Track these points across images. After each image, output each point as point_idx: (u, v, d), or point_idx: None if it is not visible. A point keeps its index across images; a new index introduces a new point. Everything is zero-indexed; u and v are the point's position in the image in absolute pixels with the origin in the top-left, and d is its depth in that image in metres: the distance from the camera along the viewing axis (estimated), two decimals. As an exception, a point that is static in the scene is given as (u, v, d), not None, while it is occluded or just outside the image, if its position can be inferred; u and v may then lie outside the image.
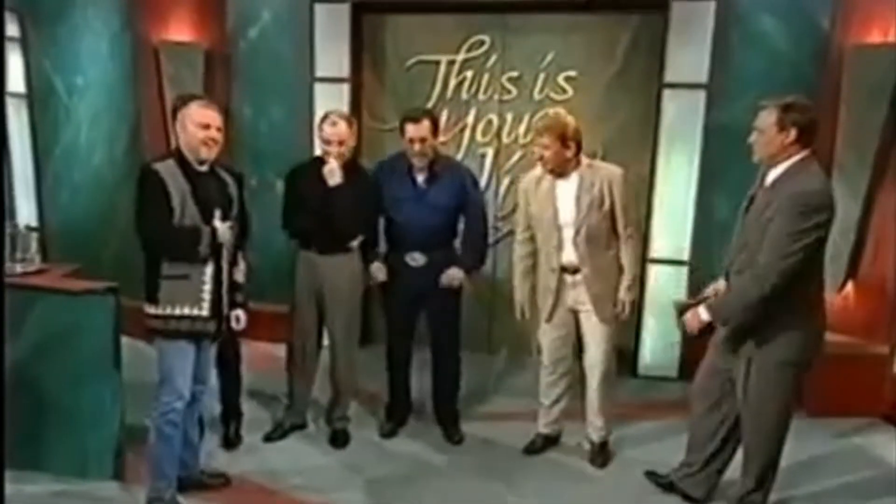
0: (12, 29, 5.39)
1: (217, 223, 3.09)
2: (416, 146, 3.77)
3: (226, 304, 3.25)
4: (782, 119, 2.92)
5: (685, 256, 4.99)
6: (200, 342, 3.22)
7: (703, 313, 3.10)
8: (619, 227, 3.66)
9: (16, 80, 5.48)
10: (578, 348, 3.89)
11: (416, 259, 3.89)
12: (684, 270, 5.01)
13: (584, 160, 3.66)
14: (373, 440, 4.11)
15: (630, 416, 4.44)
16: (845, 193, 4.35)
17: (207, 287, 3.12)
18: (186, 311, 3.09)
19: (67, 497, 3.38)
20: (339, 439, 4.04)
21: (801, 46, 4.72)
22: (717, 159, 4.83)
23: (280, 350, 4.20)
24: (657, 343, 5.16)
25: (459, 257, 3.97)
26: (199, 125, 3.07)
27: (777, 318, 2.96)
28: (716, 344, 3.28)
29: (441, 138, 4.60)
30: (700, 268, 4.91)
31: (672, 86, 4.86)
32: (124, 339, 3.57)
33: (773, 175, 2.98)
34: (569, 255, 3.67)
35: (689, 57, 4.78)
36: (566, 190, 3.64)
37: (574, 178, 3.62)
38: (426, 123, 3.77)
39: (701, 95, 4.82)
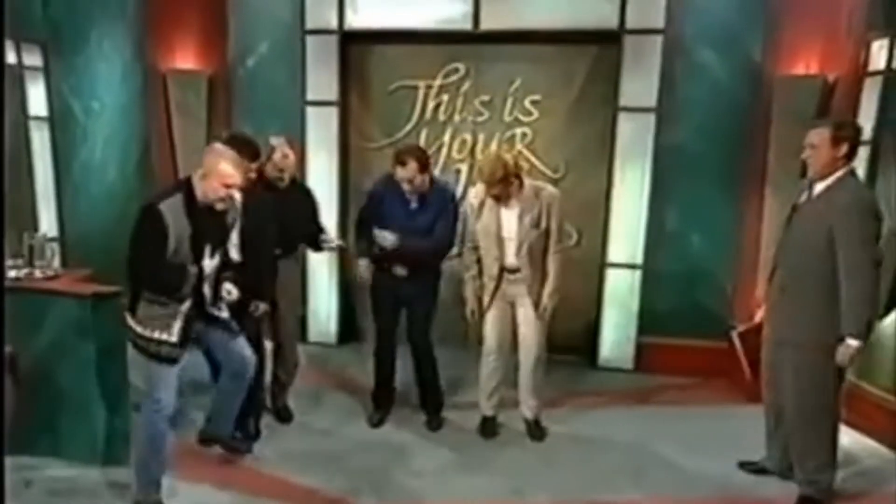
0: (36, 59, 5.38)
1: (206, 261, 3.02)
2: (406, 185, 3.79)
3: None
4: (836, 136, 3.00)
5: (638, 261, 5.05)
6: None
7: (852, 343, 3.01)
8: (551, 243, 3.78)
9: (38, 104, 5.47)
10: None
11: (400, 271, 3.94)
12: (637, 273, 5.07)
13: (528, 182, 3.76)
14: (356, 428, 4.13)
15: (591, 404, 4.51)
16: (775, 203, 4.46)
17: (181, 316, 3.03)
18: (157, 335, 2.99)
19: (82, 481, 3.38)
20: (286, 417, 4.14)
21: (736, 76, 4.78)
22: (666, 174, 4.91)
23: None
24: (614, 338, 5.20)
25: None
26: (222, 183, 2.94)
27: (815, 307, 3.09)
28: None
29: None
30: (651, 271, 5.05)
31: (626, 109, 4.92)
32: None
33: (820, 187, 3.08)
34: (510, 260, 3.80)
35: (641, 84, 4.84)
36: (510, 209, 3.75)
37: (516, 200, 3.73)
38: (412, 165, 3.74)
39: (651, 118, 4.88)
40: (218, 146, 3.09)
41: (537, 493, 3.47)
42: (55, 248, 4.90)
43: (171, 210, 2.89)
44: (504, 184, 3.63)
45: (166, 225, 2.85)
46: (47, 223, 5.47)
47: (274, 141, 3.88)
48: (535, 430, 4.04)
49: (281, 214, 3.78)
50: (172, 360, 3.04)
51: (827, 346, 3.10)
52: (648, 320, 5.11)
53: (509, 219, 3.75)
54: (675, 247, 5.04)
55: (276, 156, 3.83)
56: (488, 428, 4.08)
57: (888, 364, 4.09)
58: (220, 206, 3.00)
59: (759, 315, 3.47)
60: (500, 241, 3.78)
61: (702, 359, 4.78)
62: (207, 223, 3.00)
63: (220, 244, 3.13)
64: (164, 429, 3.10)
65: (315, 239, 4.06)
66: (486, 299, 3.93)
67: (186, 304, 3.03)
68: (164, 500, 3.16)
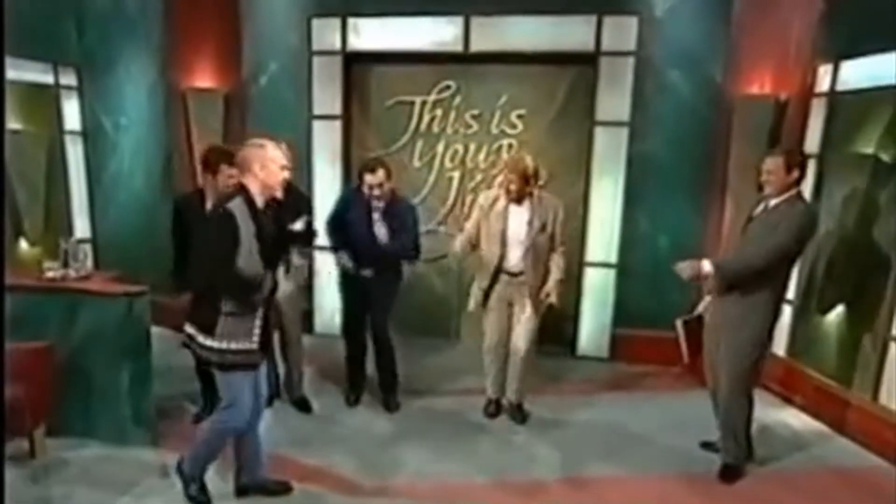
0: (71, 79, 5.52)
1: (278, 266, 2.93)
2: (376, 191, 3.88)
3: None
4: (789, 163, 3.21)
5: (613, 260, 5.15)
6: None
7: (706, 265, 3.28)
8: (556, 244, 3.89)
9: (73, 120, 5.61)
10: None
11: (366, 272, 4.04)
12: (612, 271, 5.18)
13: (535, 191, 3.84)
14: (357, 413, 4.21)
15: (570, 390, 4.61)
16: (734, 208, 4.57)
17: (258, 323, 2.86)
18: (241, 345, 2.82)
19: (112, 460, 3.48)
20: (305, 407, 4.20)
21: (700, 95, 4.85)
22: (638, 182, 5.00)
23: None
24: (591, 330, 5.31)
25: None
26: (280, 166, 2.82)
27: (755, 301, 3.28)
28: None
29: (416, 164, 4.72)
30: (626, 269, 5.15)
31: (601, 123, 5.00)
32: (155, 329, 3.65)
33: (774, 202, 3.27)
34: (512, 262, 3.87)
35: (615, 101, 4.93)
36: (519, 213, 3.83)
37: (526, 206, 3.81)
38: (381, 173, 3.85)
39: (624, 131, 4.97)
40: (254, 141, 2.86)
41: (519, 472, 3.55)
42: (87, 251, 5.02)
43: (239, 210, 2.72)
44: (524, 182, 3.73)
45: (238, 226, 2.69)
46: (81, 228, 5.61)
47: None
48: (517, 413, 4.14)
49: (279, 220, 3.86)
50: (253, 366, 2.93)
51: (756, 334, 3.31)
52: (622, 314, 5.22)
53: (518, 222, 3.83)
54: (646, 247, 5.12)
55: None
56: (495, 408, 4.21)
57: (832, 354, 4.22)
58: (280, 193, 2.90)
59: (700, 307, 3.60)
60: (503, 243, 3.85)
61: (670, 349, 4.80)
62: (267, 223, 2.84)
63: (280, 249, 3.01)
64: (227, 438, 3.03)
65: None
66: (475, 296, 4.02)
67: (261, 311, 2.88)
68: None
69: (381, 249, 3.97)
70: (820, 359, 4.30)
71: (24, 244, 5.26)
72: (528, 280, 3.88)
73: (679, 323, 3.71)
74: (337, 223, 4.10)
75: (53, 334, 3.51)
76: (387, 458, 3.67)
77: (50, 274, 3.80)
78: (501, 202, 3.86)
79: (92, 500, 3.15)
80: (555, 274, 3.91)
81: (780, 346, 4.51)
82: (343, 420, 4.12)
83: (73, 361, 3.56)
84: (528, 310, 3.94)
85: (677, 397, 4.57)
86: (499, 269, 3.91)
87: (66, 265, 3.91)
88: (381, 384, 4.34)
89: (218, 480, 3.25)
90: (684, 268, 3.35)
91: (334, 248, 4.14)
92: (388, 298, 4.17)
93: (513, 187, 3.76)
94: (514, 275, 3.90)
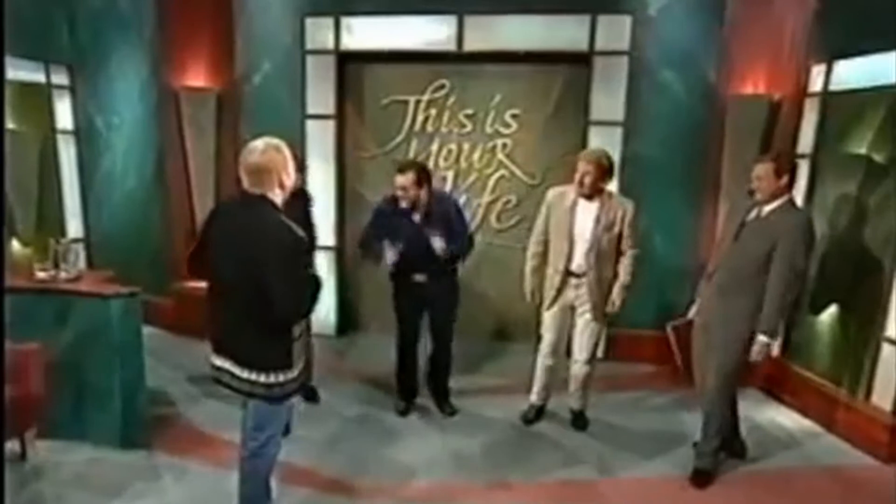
0: (63, 78, 5.47)
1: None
2: (400, 192, 3.76)
3: None
4: (778, 168, 3.18)
5: (608, 259, 5.13)
6: None
7: (762, 339, 3.24)
8: (624, 246, 3.73)
9: (65, 119, 5.56)
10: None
11: (419, 277, 3.92)
12: (607, 271, 5.16)
13: (606, 189, 3.74)
14: (353, 412, 4.17)
15: (566, 389, 4.57)
16: (727, 208, 4.51)
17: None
18: (301, 362, 2.64)
19: (104, 463, 3.45)
20: (313, 397, 4.24)
21: (694, 95, 4.81)
22: (633, 182, 4.92)
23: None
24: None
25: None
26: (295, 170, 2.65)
27: (745, 307, 3.26)
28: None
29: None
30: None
31: (596, 123, 4.97)
32: (147, 330, 3.62)
33: (767, 209, 3.24)
34: (576, 262, 3.75)
35: (609, 100, 4.90)
36: (587, 210, 3.70)
37: (596, 202, 3.69)
38: (410, 176, 3.72)
39: (618, 131, 4.93)
40: (271, 142, 2.52)
41: (516, 472, 3.53)
42: (79, 251, 4.99)
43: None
44: (599, 176, 3.62)
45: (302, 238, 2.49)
46: (74, 228, 5.57)
47: None
48: (580, 420, 4.09)
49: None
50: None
51: (744, 340, 3.29)
52: (617, 313, 5.19)
53: (585, 218, 3.70)
54: (641, 246, 5.06)
55: None
56: (535, 415, 4.13)
57: (824, 353, 4.21)
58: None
59: (691, 312, 3.58)
60: (570, 240, 3.72)
61: (664, 348, 4.83)
62: None
63: None
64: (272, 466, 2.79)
65: None
66: (547, 297, 3.88)
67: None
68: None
69: (433, 255, 3.80)
70: (812, 359, 4.29)
71: (16, 244, 5.22)
72: (590, 283, 3.74)
73: (669, 328, 3.68)
74: (375, 236, 3.94)
75: (44, 335, 3.46)
76: (385, 457, 3.65)
77: (41, 275, 3.77)
78: (570, 197, 3.74)
79: (83, 502, 3.11)
80: (622, 278, 3.76)
81: (773, 346, 4.49)
82: (340, 419, 4.09)
83: (64, 363, 3.52)
84: (588, 316, 3.82)
85: (671, 398, 4.54)
86: (567, 271, 3.78)
87: (56, 266, 3.86)
88: (436, 391, 4.26)
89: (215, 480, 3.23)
90: (757, 353, 3.29)
91: (374, 248, 3.92)
92: (447, 298, 4.04)
93: (588, 179, 3.61)
94: (578, 276, 3.77)
